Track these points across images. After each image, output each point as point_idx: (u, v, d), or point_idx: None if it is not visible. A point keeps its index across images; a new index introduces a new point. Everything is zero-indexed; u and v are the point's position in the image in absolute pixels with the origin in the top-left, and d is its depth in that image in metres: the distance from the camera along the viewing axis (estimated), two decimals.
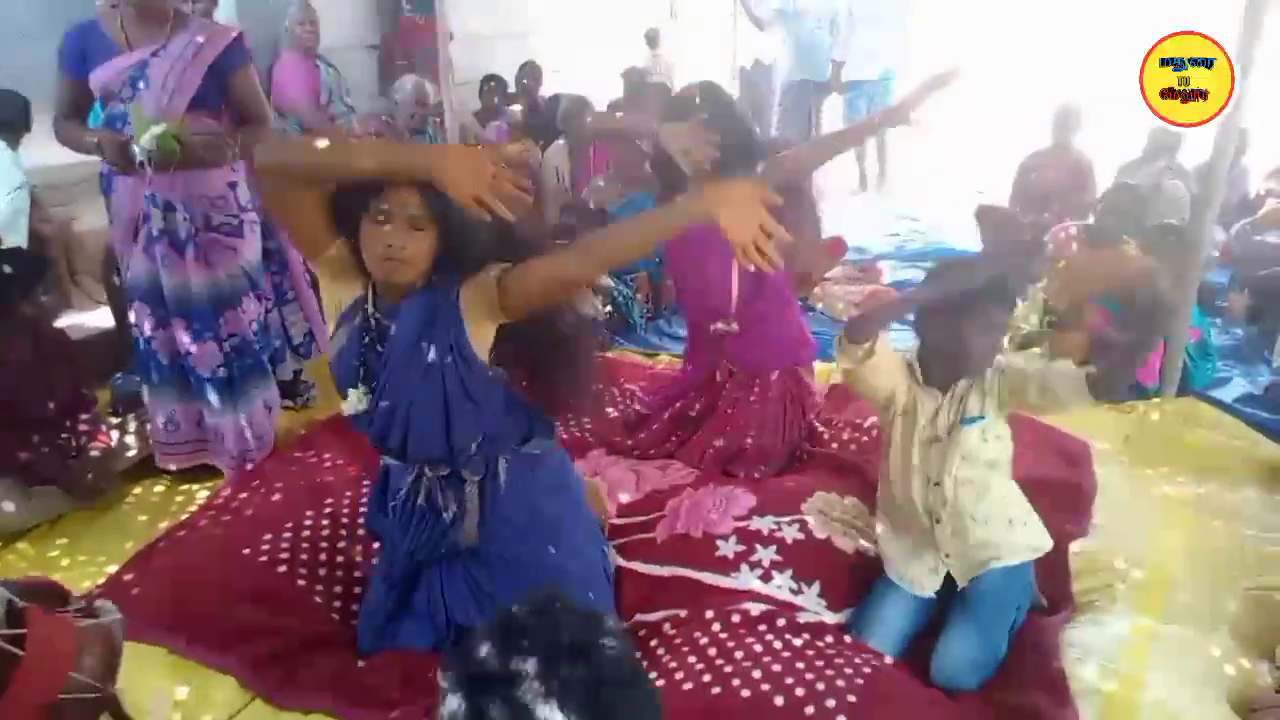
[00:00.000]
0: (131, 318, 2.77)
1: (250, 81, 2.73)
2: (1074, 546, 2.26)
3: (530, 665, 0.92)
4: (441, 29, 3.95)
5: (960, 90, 2.50)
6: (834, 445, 2.79)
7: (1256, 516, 2.51)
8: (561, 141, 5.01)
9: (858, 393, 2.20)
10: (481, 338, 1.81)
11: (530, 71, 6.26)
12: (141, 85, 2.55)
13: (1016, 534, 2.02)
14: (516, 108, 6.11)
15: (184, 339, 2.70)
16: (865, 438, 2.76)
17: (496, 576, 1.94)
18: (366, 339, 1.84)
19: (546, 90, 6.21)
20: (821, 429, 2.89)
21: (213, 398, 2.73)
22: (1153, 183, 4.65)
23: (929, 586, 2.05)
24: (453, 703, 0.94)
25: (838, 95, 6.42)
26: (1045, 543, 2.05)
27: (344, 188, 1.74)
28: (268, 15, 5.09)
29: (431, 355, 1.78)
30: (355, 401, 1.86)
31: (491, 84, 6.08)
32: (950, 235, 5.51)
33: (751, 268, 1.55)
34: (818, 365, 3.50)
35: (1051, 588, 2.16)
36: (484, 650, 0.94)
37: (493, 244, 1.77)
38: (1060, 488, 2.51)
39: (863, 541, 2.24)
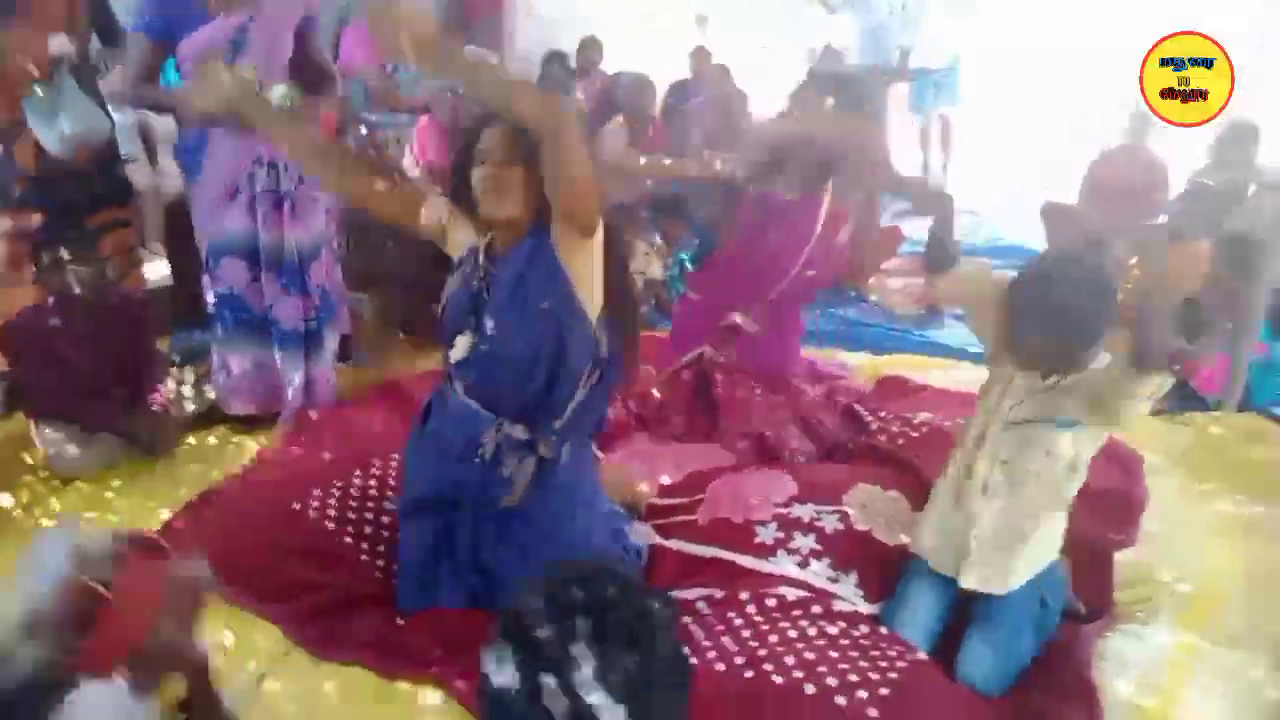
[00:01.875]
0: (218, 274, 2.82)
1: (318, 43, 2.82)
2: (1119, 556, 2.22)
3: (584, 650, 0.93)
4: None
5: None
6: (882, 437, 2.75)
7: None
8: (620, 118, 4.99)
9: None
10: (581, 276, 1.82)
11: (590, 47, 6.20)
12: (244, 49, 2.59)
13: (1042, 541, 1.95)
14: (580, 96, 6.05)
15: (273, 292, 2.80)
16: (915, 433, 2.72)
17: (528, 528, 1.97)
18: (476, 285, 1.90)
19: (608, 68, 6.17)
20: (870, 419, 2.86)
21: (293, 350, 2.83)
22: (1232, 189, 4.49)
23: (946, 564, 1.99)
24: (505, 676, 0.95)
25: (904, 83, 6.33)
26: (1049, 557, 1.98)
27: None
28: None
29: (533, 299, 1.82)
30: (463, 348, 1.91)
31: (555, 62, 6.05)
32: (1011, 230, 5.40)
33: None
34: (866, 358, 3.49)
35: (1091, 594, 2.12)
36: (540, 630, 0.95)
37: None
38: (1110, 495, 2.45)
39: (903, 536, 2.22)
